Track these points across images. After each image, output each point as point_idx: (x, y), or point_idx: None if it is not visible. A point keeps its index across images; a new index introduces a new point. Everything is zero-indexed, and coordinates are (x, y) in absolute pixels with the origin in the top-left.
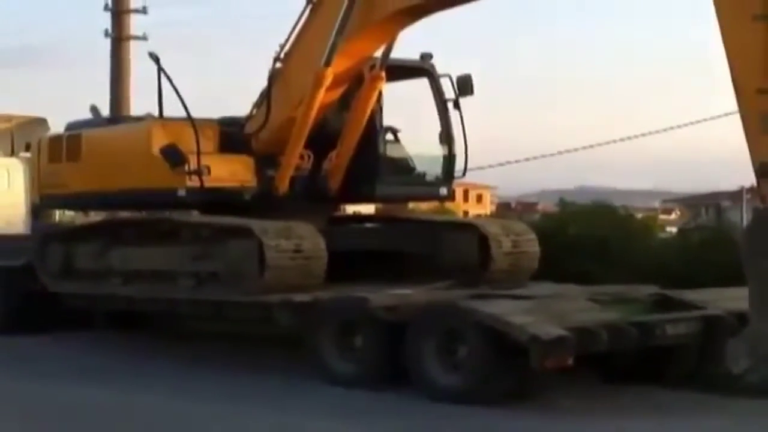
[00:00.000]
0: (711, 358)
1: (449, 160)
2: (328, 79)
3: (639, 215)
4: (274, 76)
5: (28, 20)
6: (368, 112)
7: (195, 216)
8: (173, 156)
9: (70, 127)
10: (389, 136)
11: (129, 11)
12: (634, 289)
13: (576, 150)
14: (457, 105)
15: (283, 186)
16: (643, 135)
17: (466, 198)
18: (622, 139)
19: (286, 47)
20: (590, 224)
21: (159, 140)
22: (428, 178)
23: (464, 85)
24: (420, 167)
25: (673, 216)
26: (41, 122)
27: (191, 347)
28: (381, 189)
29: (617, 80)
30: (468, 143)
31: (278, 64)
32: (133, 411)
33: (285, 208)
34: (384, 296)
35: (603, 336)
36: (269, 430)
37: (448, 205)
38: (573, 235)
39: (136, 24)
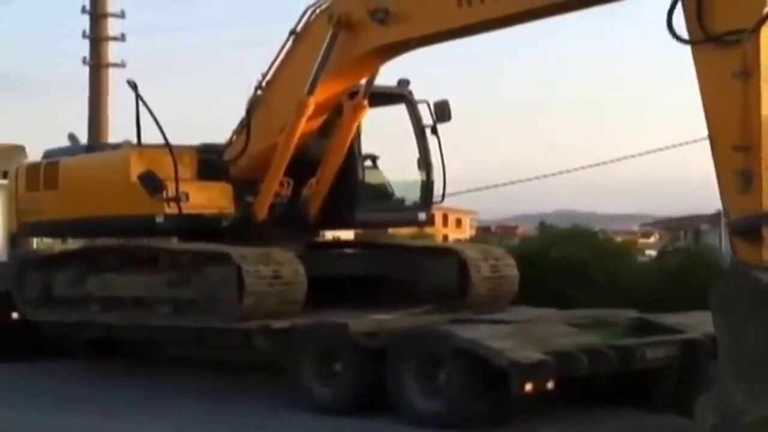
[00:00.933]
0: (691, 382)
1: (427, 185)
2: (311, 108)
3: (618, 239)
4: (254, 104)
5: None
6: (349, 139)
7: (173, 243)
8: (151, 183)
9: (48, 155)
10: (368, 163)
11: (107, 39)
12: (613, 314)
13: (557, 174)
14: (434, 131)
15: (261, 212)
16: (621, 159)
17: (445, 222)
18: (601, 163)
19: (268, 76)
20: (570, 248)
21: (137, 167)
22: (407, 203)
23: (442, 111)
24: (398, 193)
25: (652, 239)
26: (19, 150)
27: (171, 375)
28: (360, 215)
29: (597, 103)
30: (446, 169)
31: (259, 92)
32: None
33: (264, 235)
34: (363, 322)
35: (583, 360)
36: None
37: (428, 229)
38: (553, 259)
39: (114, 51)
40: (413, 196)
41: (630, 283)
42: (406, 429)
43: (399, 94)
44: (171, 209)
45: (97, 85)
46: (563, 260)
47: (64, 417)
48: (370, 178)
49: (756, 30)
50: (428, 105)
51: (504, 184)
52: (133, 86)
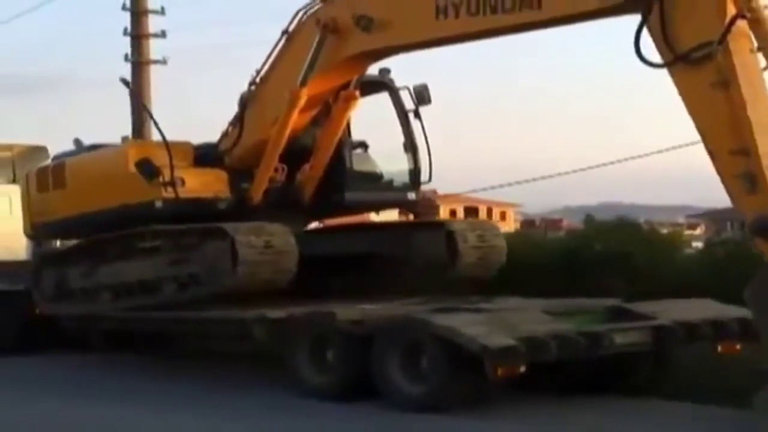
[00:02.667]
0: (666, 367)
1: (414, 167)
2: (303, 99)
3: (664, 230)
4: (248, 98)
5: (43, 48)
6: (341, 128)
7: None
8: (147, 168)
9: (56, 157)
10: (358, 150)
11: (148, 36)
12: (592, 302)
13: (602, 165)
14: (417, 114)
15: (257, 197)
16: (665, 150)
17: (489, 215)
18: (645, 155)
19: (262, 72)
20: (615, 240)
21: (135, 158)
22: (396, 185)
23: (421, 95)
24: (388, 176)
25: (698, 231)
26: (41, 150)
27: (180, 365)
28: (350, 196)
29: (641, 92)
30: (431, 149)
31: (253, 88)
32: (115, 425)
33: (259, 218)
34: (350, 311)
35: (551, 345)
36: None
37: None
38: (598, 252)
39: (155, 48)
40: (402, 178)
41: (676, 275)
42: (392, 413)
43: (381, 82)
44: (168, 194)
45: (140, 81)
46: (608, 253)
47: (75, 406)
48: (360, 162)
49: (723, 40)
50: (409, 90)
51: (544, 177)
52: (126, 84)
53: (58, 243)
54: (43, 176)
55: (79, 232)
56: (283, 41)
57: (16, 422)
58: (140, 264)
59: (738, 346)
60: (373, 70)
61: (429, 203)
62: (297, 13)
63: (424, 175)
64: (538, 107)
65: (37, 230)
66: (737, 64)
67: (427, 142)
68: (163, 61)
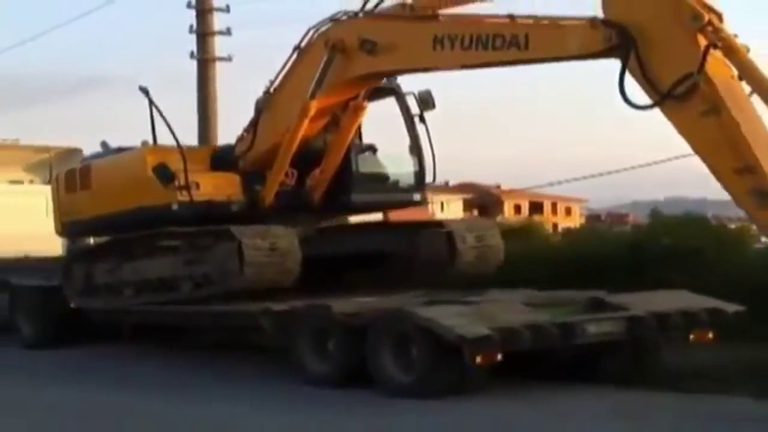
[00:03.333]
0: (642, 356)
1: (419, 168)
2: (313, 111)
3: (732, 225)
4: (263, 106)
5: (107, 47)
6: (351, 136)
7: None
8: (163, 173)
9: (84, 159)
10: (367, 152)
11: (213, 33)
12: (573, 294)
13: (669, 160)
14: (422, 119)
15: (269, 199)
16: None
17: (554, 211)
18: None
19: (276, 83)
20: (682, 235)
21: (152, 163)
22: (401, 186)
23: (425, 100)
24: (394, 177)
25: None
26: (77, 152)
27: (196, 356)
28: (356, 198)
29: None
30: (435, 151)
31: (267, 96)
32: (133, 411)
33: (271, 219)
34: (347, 304)
35: (526, 335)
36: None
37: (538, 217)
38: (665, 247)
39: (221, 45)
40: (408, 179)
41: (744, 270)
42: (385, 400)
43: (389, 88)
44: (183, 197)
45: (205, 79)
46: (675, 248)
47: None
48: (367, 165)
49: (701, 69)
50: (414, 96)
51: (610, 172)
52: (145, 92)
53: (91, 240)
54: (71, 178)
55: (104, 231)
56: (295, 55)
57: (30, 408)
58: (159, 263)
59: (710, 335)
60: None
61: (493, 199)
62: (308, 31)
63: (428, 177)
64: (606, 101)
65: (65, 229)
66: (721, 89)
67: (431, 145)
68: (228, 59)
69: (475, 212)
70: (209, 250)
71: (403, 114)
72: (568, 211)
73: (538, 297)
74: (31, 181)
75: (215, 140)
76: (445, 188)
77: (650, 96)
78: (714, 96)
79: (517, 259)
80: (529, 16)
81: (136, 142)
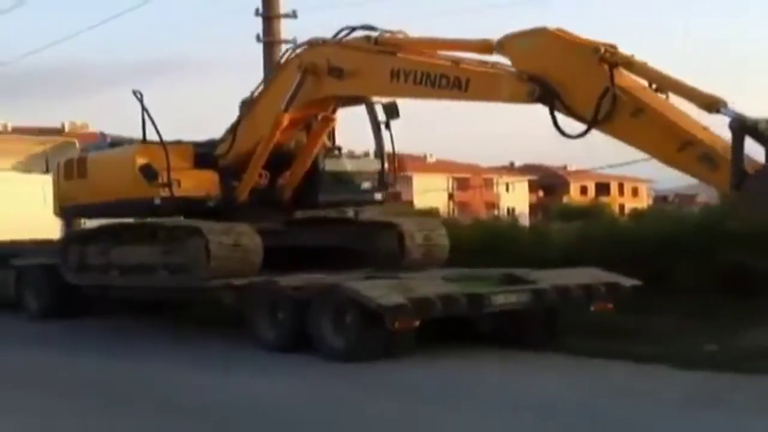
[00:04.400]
0: (553, 325)
1: (381, 171)
2: (285, 122)
3: None
4: (243, 113)
5: (174, 31)
6: (320, 143)
7: (167, 220)
8: (148, 172)
9: (83, 150)
10: (335, 155)
11: (279, 16)
12: (491, 270)
13: None
14: (387, 126)
15: (243, 197)
16: None
17: (621, 192)
18: None
19: (256, 93)
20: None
21: (140, 159)
22: (364, 186)
23: (390, 111)
24: (359, 178)
25: None
26: (71, 144)
27: (174, 327)
28: (322, 197)
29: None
30: (396, 157)
31: (248, 104)
32: (115, 373)
33: (245, 214)
34: (293, 279)
35: (437, 304)
36: (215, 384)
37: (605, 198)
38: (734, 229)
39: (286, 28)
40: (371, 180)
41: None
42: (323, 363)
43: (360, 97)
44: (165, 193)
45: (271, 62)
46: (745, 230)
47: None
48: (333, 166)
49: (613, 82)
50: (382, 105)
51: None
52: (138, 97)
53: (86, 224)
54: (69, 167)
55: (96, 215)
56: (274, 71)
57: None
58: (141, 250)
59: (610, 306)
60: None
61: (559, 180)
62: (287, 51)
63: (389, 178)
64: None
65: (63, 212)
66: (638, 93)
67: (393, 151)
68: (294, 41)
69: (541, 193)
70: (182, 243)
71: (370, 121)
72: (635, 192)
73: (455, 273)
74: (30, 171)
75: None
76: (511, 169)
77: (583, 123)
78: (633, 98)
79: (582, 240)
80: (473, 61)
81: (203, 125)
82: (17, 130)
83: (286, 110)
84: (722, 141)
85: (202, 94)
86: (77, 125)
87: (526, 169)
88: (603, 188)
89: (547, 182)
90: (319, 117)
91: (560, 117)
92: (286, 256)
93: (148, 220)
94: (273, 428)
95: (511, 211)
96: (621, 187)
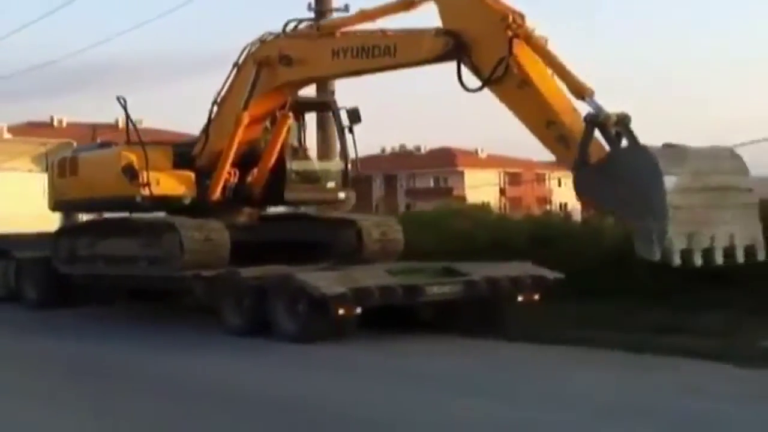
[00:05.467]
0: (487, 313)
1: (345, 171)
2: (246, 120)
3: None
4: (212, 114)
5: (227, 26)
6: (280, 141)
7: (148, 216)
8: (129, 172)
9: (75, 150)
10: (302, 156)
11: (332, 10)
12: (431, 264)
13: None
14: (350, 130)
15: (215, 194)
16: None
17: None
18: None
19: (222, 94)
20: None
21: (123, 161)
22: (329, 185)
23: (353, 115)
24: (324, 178)
25: None
26: (69, 144)
27: (157, 315)
28: (288, 195)
29: None
30: (358, 158)
31: (215, 107)
32: (94, 357)
33: (219, 210)
34: (254, 270)
35: (375, 293)
36: (186, 365)
37: None
38: None
39: None
40: (335, 179)
41: None
42: (280, 345)
43: (325, 103)
44: (145, 192)
45: None
46: None
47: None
48: (300, 166)
49: (511, 52)
50: (346, 110)
51: (744, 144)
52: (122, 103)
53: (84, 217)
54: (62, 165)
55: (86, 210)
56: (235, 70)
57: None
58: (124, 243)
59: (536, 296)
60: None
61: None
62: (243, 49)
63: (351, 178)
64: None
65: (57, 206)
66: (527, 68)
67: (355, 153)
68: None
69: None
70: (159, 237)
71: (336, 125)
72: None
73: (398, 266)
74: (31, 170)
75: None
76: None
77: (480, 81)
78: (522, 72)
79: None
80: (396, 30)
81: None
82: (72, 126)
83: (245, 108)
84: (582, 126)
85: None
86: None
87: None
88: None
89: None
90: (278, 115)
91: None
92: (256, 250)
93: (131, 215)
94: (231, 402)
95: (563, 207)
96: None
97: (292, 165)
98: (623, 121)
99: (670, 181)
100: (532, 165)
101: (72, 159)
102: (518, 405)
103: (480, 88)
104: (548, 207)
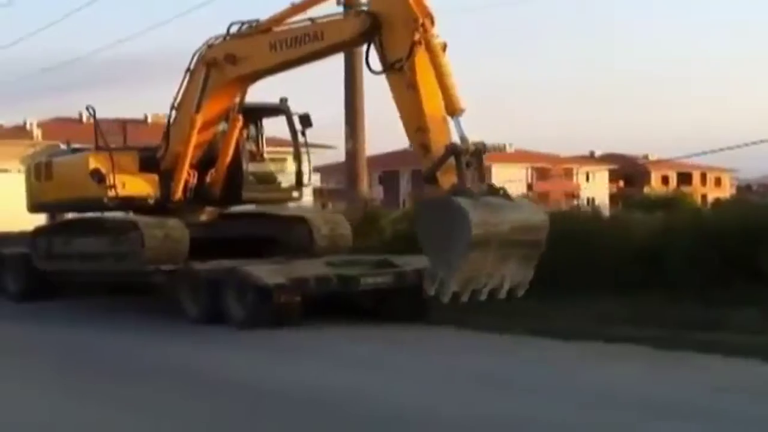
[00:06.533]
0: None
1: (299, 172)
2: (199, 122)
3: None
4: (171, 119)
5: None
6: (233, 143)
7: (115, 216)
8: (97, 176)
9: (50, 155)
10: (258, 158)
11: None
12: (370, 257)
13: None
14: (303, 133)
15: (177, 194)
16: None
17: (704, 182)
18: None
19: (178, 99)
20: None
21: (91, 165)
22: (284, 185)
23: (304, 120)
24: (279, 178)
25: None
26: (56, 147)
27: (126, 307)
28: (245, 195)
29: None
30: (310, 161)
31: (173, 111)
32: (78, 342)
33: (182, 209)
34: (207, 264)
35: (312, 283)
36: (153, 351)
37: (686, 188)
38: None
39: None
40: (290, 180)
41: None
42: (231, 331)
43: (279, 109)
44: (112, 193)
45: (352, 63)
46: None
47: (64, 328)
48: (256, 168)
49: (410, 56)
50: (298, 116)
51: (764, 141)
52: (91, 112)
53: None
54: (38, 169)
55: (60, 211)
56: (187, 76)
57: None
58: (94, 241)
59: None
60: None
61: (639, 169)
62: (194, 55)
63: (305, 179)
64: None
65: (34, 208)
66: (419, 76)
67: (308, 155)
68: None
69: (621, 183)
70: (124, 235)
71: (289, 129)
72: (718, 182)
73: (337, 259)
74: (20, 171)
75: (361, 109)
76: (590, 159)
77: (382, 65)
78: (412, 78)
79: (666, 230)
80: (324, 16)
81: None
82: (101, 121)
83: (197, 111)
84: (447, 140)
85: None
86: (160, 116)
87: (606, 159)
88: (685, 178)
89: (628, 172)
90: (229, 119)
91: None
92: (217, 246)
93: (102, 215)
94: (186, 383)
95: (591, 201)
96: (703, 176)
97: (249, 167)
98: (477, 153)
99: (472, 241)
100: (560, 160)
101: (47, 163)
102: (541, 401)
103: (378, 74)
104: (576, 202)
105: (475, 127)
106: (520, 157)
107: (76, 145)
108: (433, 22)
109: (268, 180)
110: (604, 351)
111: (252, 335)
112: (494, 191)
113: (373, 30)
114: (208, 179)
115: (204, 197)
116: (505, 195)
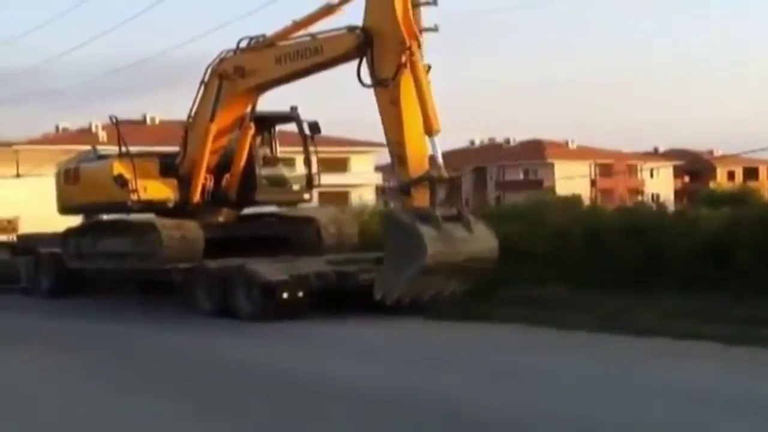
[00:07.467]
0: None
1: (309, 175)
2: (214, 131)
3: None
4: (188, 127)
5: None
6: (246, 149)
7: (137, 217)
8: (120, 181)
9: (80, 160)
10: (271, 162)
11: (419, 4)
12: (369, 255)
13: None
14: (312, 139)
15: (195, 197)
16: None
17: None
18: None
19: (194, 109)
20: None
21: (115, 171)
22: (295, 188)
23: (313, 127)
24: (290, 181)
25: None
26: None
27: (146, 302)
28: (259, 197)
29: None
30: (319, 165)
31: (190, 120)
32: (100, 333)
33: (200, 211)
34: (219, 263)
35: (312, 278)
36: (169, 339)
37: (752, 183)
38: None
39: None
40: (300, 183)
41: None
42: (241, 324)
43: (289, 116)
44: (134, 197)
45: None
46: None
47: (75, 323)
48: (269, 172)
49: (396, 77)
50: (307, 123)
51: None
52: (114, 121)
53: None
54: (67, 174)
55: (87, 213)
56: (202, 87)
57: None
58: (119, 241)
59: None
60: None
61: (705, 165)
62: (207, 68)
63: (315, 181)
64: None
65: (64, 211)
66: (402, 95)
67: (317, 160)
68: (435, 29)
69: (686, 179)
70: (145, 236)
71: (300, 135)
72: None
73: (339, 258)
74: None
75: None
76: (655, 155)
77: (372, 80)
78: (396, 96)
79: (733, 226)
80: (324, 31)
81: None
82: (165, 124)
83: (212, 120)
84: (424, 154)
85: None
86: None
87: (670, 154)
88: (751, 173)
89: (693, 167)
90: (242, 128)
91: None
92: (232, 246)
93: (125, 216)
94: (201, 367)
95: (655, 198)
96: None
97: (262, 171)
98: (451, 181)
99: (423, 268)
100: (624, 156)
101: (75, 169)
102: (619, 399)
103: (367, 87)
104: (640, 198)
105: (537, 125)
106: (583, 153)
107: (102, 152)
108: (419, 45)
109: (280, 183)
110: (675, 348)
111: (259, 327)
112: (461, 218)
113: (365, 44)
114: (223, 183)
115: (220, 200)
116: (467, 224)
